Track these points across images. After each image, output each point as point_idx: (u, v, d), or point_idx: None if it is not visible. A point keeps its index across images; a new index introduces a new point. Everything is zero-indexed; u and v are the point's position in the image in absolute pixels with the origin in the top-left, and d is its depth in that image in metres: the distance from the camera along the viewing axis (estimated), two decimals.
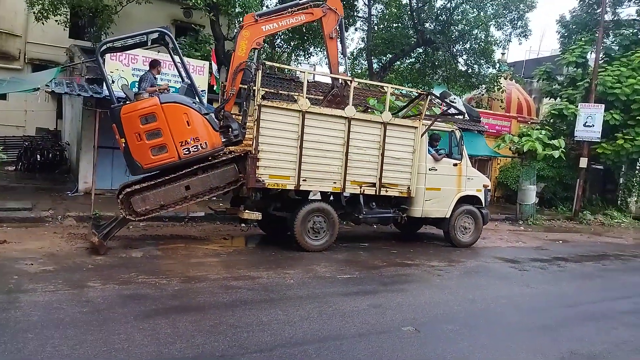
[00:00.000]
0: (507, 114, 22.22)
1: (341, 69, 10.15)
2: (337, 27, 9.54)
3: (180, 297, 5.73)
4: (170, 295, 5.74)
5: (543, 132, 16.08)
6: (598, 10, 19.73)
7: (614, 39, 20.51)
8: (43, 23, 14.93)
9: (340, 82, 9.70)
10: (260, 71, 8.30)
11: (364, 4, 20.59)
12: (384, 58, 21.29)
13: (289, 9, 9.00)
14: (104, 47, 7.96)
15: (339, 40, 9.74)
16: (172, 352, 4.23)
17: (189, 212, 10.64)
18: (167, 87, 8.66)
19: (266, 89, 10.25)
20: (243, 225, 10.63)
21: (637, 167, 19.61)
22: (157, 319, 4.94)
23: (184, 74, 8.61)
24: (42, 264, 6.61)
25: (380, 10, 21.20)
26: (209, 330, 4.77)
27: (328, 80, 12.79)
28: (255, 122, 8.22)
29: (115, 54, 10.26)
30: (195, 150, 7.76)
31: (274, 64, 11.72)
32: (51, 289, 5.61)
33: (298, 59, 22.01)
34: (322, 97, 11.53)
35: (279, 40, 19.68)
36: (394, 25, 20.70)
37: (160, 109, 7.53)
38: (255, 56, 9.22)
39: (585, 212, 17.94)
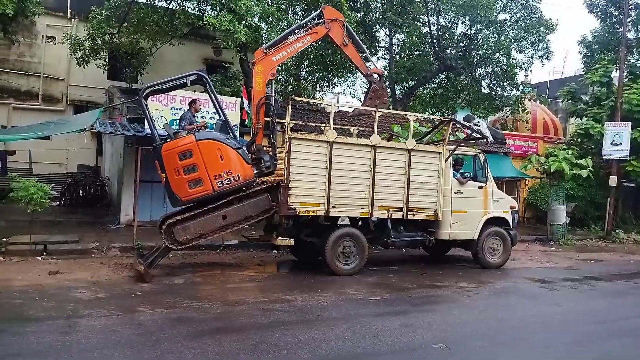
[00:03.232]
0: (533, 135, 22.27)
1: (369, 64, 10.25)
2: (346, 33, 9.66)
3: (222, 319, 6.15)
4: (213, 318, 6.16)
5: (570, 151, 16.07)
6: (620, 30, 19.83)
7: (637, 57, 20.50)
8: (84, 67, 16.10)
9: (375, 77, 9.88)
10: (289, 106, 8.82)
11: (385, 34, 21.25)
12: (407, 85, 21.78)
13: (293, 33, 9.35)
14: (148, 90, 8.64)
15: (352, 42, 9.77)
16: None
17: (223, 240, 11.13)
18: (205, 125, 9.27)
19: (294, 121, 10.75)
20: (275, 251, 11.02)
21: None
22: (204, 339, 5.36)
23: (219, 111, 9.21)
24: (93, 292, 7.15)
25: (401, 40, 21.81)
26: (252, 348, 5.15)
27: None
28: (286, 154, 8.72)
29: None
30: (229, 182, 8.27)
31: (301, 99, 12.21)
32: (105, 314, 6.11)
33: (323, 90, 22.71)
34: (348, 126, 11.98)
35: (304, 73, 20.44)
36: (416, 53, 21.25)
37: (196, 145, 8.13)
38: (272, 87, 9.50)
39: (618, 231, 17.67)
